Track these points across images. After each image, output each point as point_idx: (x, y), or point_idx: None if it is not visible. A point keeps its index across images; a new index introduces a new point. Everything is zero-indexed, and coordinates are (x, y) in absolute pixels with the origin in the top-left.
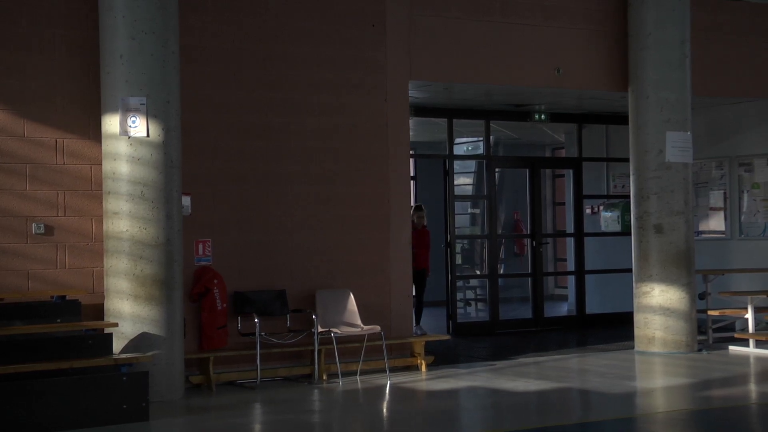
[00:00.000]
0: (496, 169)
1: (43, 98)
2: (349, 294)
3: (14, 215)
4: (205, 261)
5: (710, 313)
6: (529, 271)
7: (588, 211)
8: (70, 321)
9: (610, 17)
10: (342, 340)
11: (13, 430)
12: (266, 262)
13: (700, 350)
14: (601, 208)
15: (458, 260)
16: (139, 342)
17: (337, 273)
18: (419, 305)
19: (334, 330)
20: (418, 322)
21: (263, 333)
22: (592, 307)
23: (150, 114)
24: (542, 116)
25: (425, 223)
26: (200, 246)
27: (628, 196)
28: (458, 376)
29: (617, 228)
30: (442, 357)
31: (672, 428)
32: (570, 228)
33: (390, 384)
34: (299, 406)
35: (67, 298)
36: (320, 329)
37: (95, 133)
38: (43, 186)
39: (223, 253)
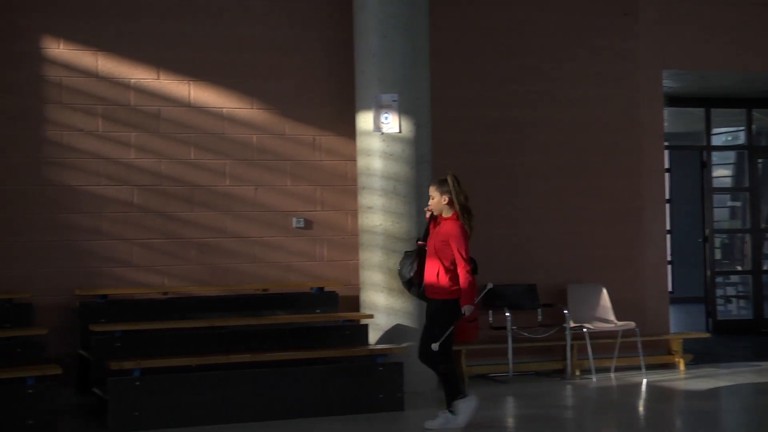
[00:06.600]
0: (759, 160)
1: (301, 98)
2: (602, 289)
3: (277, 210)
4: None
5: None
6: None
7: None
8: (328, 312)
9: None
10: (594, 335)
11: (274, 412)
12: (515, 256)
13: None
14: None
15: (717, 255)
16: (392, 333)
17: (588, 267)
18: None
19: (587, 325)
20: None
21: (514, 327)
22: None
23: (402, 110)
24: None
25: (447, 204)
26: None
27: None
28: (719, 376)
29: None
30: (700, 356)
31: None
32: None
33: (647, 382)
34: (552, 401)
35: (326, 289)
36: (572, 324)
37: (349, 130)
38: (302, 182)
39: (473, 246)
